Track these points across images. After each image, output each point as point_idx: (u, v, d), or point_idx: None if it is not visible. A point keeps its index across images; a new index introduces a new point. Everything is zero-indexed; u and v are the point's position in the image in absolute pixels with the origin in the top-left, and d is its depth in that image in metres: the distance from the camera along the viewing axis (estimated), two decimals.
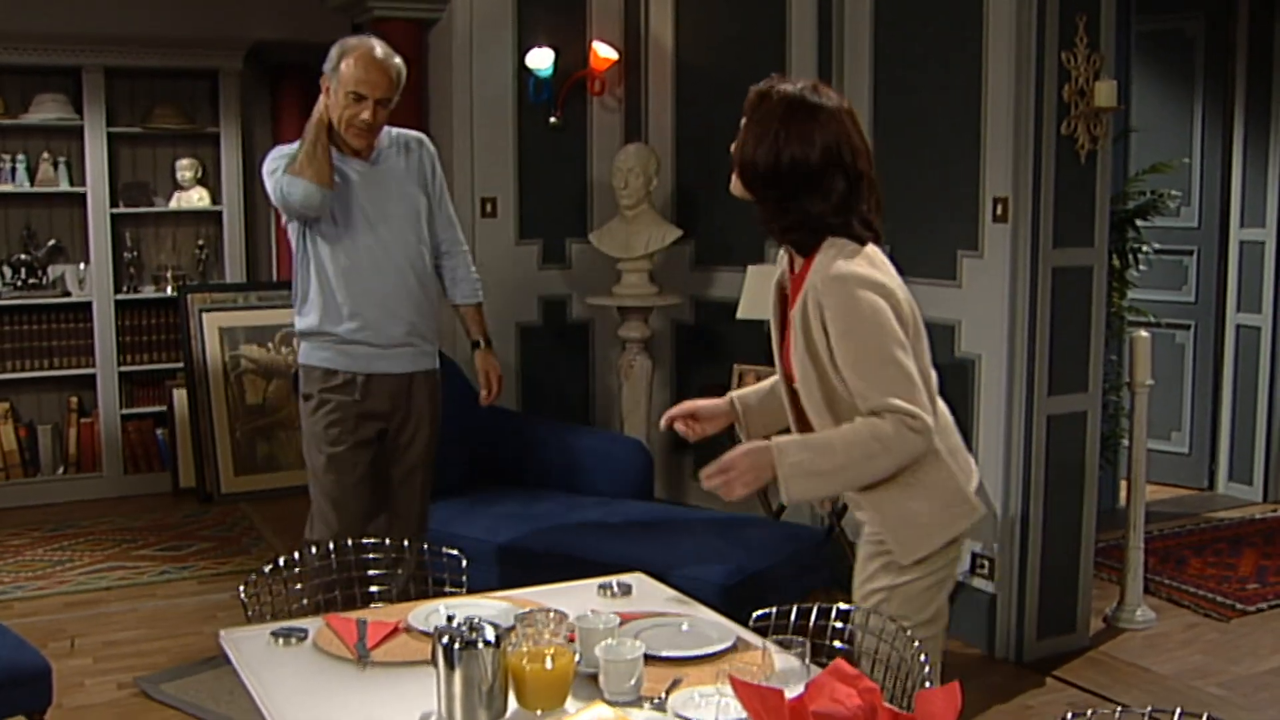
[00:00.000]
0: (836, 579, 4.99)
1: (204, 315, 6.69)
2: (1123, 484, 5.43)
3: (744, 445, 2.46)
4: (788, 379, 2.58)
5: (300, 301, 3.84)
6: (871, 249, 2.45)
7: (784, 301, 2.59)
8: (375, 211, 3.76)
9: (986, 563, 4.48)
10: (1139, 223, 5.77)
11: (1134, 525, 4.74)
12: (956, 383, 4.53)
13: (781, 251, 2.60)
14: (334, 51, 3.69)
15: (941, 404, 2.54)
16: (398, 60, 3.73)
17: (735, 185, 2.52)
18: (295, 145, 3.71)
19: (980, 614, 4.50)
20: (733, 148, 2.50)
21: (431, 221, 3.91)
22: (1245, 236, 6.46)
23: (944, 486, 2.49)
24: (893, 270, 2.47)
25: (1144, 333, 4.81)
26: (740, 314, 4.89)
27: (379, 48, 3.69)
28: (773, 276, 2.63)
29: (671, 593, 2.71)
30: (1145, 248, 5.84)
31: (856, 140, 2.44)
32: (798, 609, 2.49)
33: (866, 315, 2.36)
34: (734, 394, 2.83)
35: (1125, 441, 5.33)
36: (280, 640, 2.39)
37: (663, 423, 2.83)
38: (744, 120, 2.49)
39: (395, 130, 3.90)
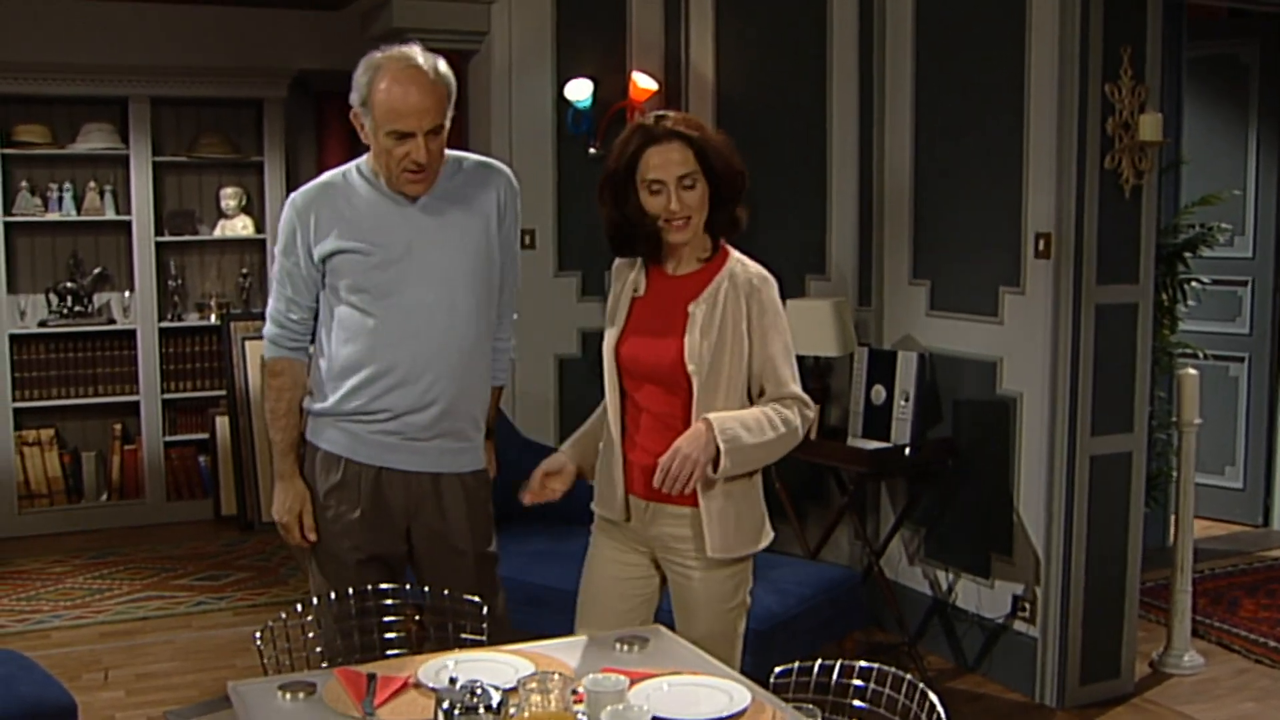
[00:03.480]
0: (877, 621, 4.93)
1: (246, 343, 6.71)
2: (1172, 520, 5.29)
3: (681, 437, 2.60)
4: (669, 369, 2.68)
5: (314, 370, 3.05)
6: None
7: (633, 306, 2.78)
8: (423, 260, 2.87)
9: (1028, 606, 4.38)
10: (1188, 256, 5.64)
11: (1180, 567, 4.61)
12: (997, 421, 4.44)
13: (623, 264, 2.83)
14: (360, 75, 2.79)
15: None
16: (443, 68, 2.83)
17: (700, 197, 2.71)
18: (315, 183, 2.96)
19: (1022, 658, 4.40)
20: (682, 173, 2.71)
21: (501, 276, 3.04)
22: None
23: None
24: None
25: (1192, 371, 4.67)
26: None
27: (419, 57, 2.80)
28: (713, 304, 2.72)
29: (690, 646, 2.64)
30: (1195, 282, 5.70)
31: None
32: (820, 665, 2.43)
33: (783, 312, 2.76)
34: (567, 447, 2.98)
35: (1175, 478, 5.19)
36: (287, 694, 2.34)
37: (527, 500, 2.93)
38: (701, 140, 2.74)
39: (466, 156, 3.03)
